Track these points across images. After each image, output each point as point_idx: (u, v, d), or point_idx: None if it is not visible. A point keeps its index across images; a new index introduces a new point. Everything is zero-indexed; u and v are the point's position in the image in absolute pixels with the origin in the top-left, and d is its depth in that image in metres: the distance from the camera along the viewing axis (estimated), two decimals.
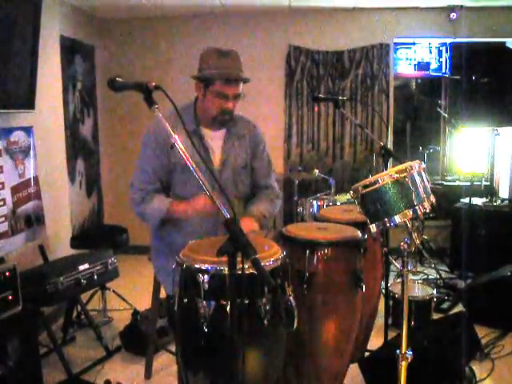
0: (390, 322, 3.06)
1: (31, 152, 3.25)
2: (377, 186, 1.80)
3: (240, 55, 2.25)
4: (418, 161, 1.87)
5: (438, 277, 4.33)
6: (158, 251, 2.43)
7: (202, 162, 1.66)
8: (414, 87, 5.81)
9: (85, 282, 3.01)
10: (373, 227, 1.86)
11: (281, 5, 4.79)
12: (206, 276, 1.72)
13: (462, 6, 4.80)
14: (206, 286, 1.71)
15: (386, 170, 2.25)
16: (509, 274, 3.45)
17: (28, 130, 3.24)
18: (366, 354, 2.87)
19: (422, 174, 1.85)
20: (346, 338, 2.34)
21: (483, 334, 3.19)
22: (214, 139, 2.31)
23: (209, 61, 2.17)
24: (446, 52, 5.30)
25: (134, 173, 2.33)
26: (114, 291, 3.70)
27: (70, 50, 4.42)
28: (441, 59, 5.33)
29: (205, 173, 1.75)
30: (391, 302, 3.31)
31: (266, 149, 2.49)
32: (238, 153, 2.35)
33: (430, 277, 4.42)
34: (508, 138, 4.94)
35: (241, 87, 2.21)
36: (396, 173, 1.79)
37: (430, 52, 5.33)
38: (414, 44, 5.30)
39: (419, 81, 5.75)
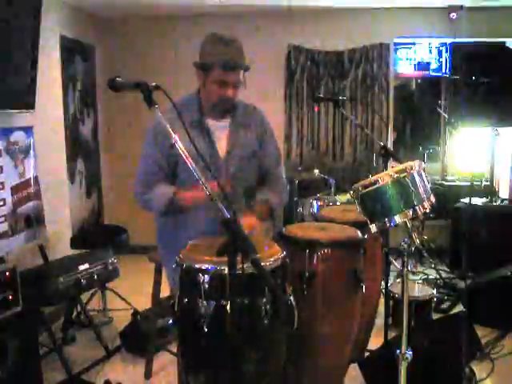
0: (390, 321, 3.06)
1: (31, 152, 3.25)
2: (377, 185, 1.80)
3: None
4: (418, 161, 1.87)
5: (438, 277, 4.32)
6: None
7: (198, 154, 1.57)
8: (414, 87, 5.81)
9: (85, 281, 3.01)
10: (373, 227, 1.86)
11: (281, 5, 4.78)
12: (206, 276, 1.72)
13: (462, 6, 4.79)
14: (206, 285, 1.71)
15: (386, 170, 2.24)
16: (509, 273, 3.45)
17: (28, 130, 3.23)
18: (366, 354, 2.87)
19: (422, 174, 1.84)
20: (345, 337, 2.34)
21: (483, 334, 3.18)
22: (220, 129, 2.23)
23: (208, 47, 2.13)
24: (446, 52, 5.29)
25: (137, 168, 2.28)
26: (114, 291, 3.70)
27: (70, 50, 4.42)
28: (441, 59, 5.32)
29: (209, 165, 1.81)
30: (391, 302, 3.30)
31: (274, 135, 2.40)
32: (245, 141, 2.26)
33: (430, 277, 4.41)
34: (508, 138, 4.94)
35: (241, 75, 2.13)
36: (396, 173, 1.79)
37: (430, 52, 5.32)
38: (414, 44, 5.30)
39: (419, 81, 5.75)
